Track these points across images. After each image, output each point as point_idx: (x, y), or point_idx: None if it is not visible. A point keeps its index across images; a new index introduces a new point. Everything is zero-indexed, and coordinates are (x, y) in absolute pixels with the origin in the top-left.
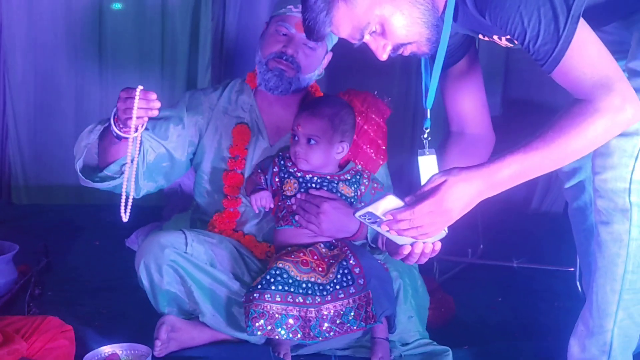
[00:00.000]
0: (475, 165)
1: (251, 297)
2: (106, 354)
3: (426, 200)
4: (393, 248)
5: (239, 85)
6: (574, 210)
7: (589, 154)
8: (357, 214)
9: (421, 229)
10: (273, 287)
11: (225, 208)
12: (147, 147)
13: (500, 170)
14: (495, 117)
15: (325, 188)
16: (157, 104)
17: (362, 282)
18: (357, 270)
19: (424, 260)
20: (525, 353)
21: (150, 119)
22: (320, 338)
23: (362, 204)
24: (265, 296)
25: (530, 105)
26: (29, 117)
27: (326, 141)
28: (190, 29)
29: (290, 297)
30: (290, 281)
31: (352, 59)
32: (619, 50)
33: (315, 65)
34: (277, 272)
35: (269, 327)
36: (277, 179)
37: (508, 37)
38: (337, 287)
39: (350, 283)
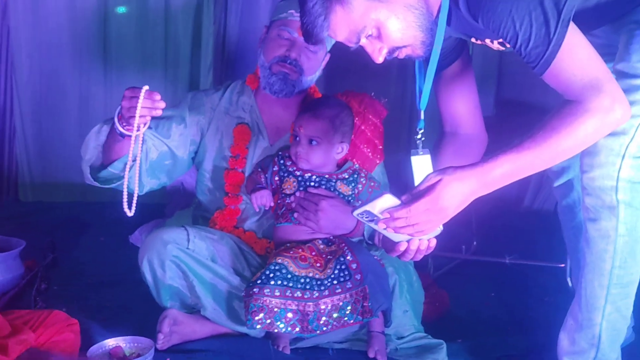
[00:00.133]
0: (469, 165)
1: (251, 292)
2: (110, 347)
3: (422, 199)
4: (389, 245)
5: (239, 87)
6: (563, 208)
7: (577, 154)
8: (355, 213)
9: (417, 227)
10: (272, 282)
11: (227, 205)
12: (150, 145)
13: (494, 170)
14: (488, 118)
15: (323, 186)
16: (162, 104)
17: (358, 278)
18: (354, 265)
19: (420, 257)
20: (516, 346)
21: (153, 118)
22: (318, 331)
23: (360, 203)
24: (265, 291)
25: (523, 106)
26: (35, 116)
27: (327, 142)
28: (193, 31)
29: (289, 291)
30: (289, 276)
31: (350, 61)
32: (607, 53)
33: (316, 67)
34: (276, 268)
35: (268, 321)
36: (276, 178)
37: (500, 40)
38: (335, 282)
39: (348, 278)
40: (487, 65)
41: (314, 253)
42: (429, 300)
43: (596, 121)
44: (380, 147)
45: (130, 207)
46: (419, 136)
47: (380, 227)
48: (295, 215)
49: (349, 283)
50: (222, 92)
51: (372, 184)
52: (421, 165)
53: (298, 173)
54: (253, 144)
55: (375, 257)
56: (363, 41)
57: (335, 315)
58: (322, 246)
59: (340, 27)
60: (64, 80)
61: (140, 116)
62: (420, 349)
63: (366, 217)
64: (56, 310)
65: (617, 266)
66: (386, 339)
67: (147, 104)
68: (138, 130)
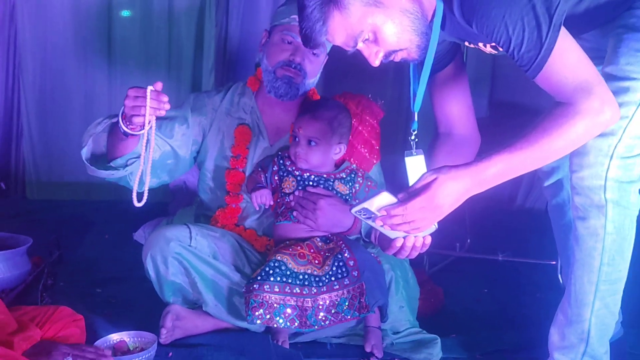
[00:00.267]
0: (463, 164)
1: (251, 288)
2: (115, 341)
3: (418, 197)
4: (386, 243)
5: (240, 88)
6: (553, 207)
7: (567, 154)
8: (353, 210)
9: (413, 224)
10: (272, 279)
11: (228, 204)
12: (154, 144)
13: (487, 169)
14: (482, 119)
15: (321, 186)
16: (167, 106)
17: (356, 274)
18: (351, 263)
19: (415, 254)
20: (509, 341)
21: (157, 118)
22: (316, 327)
23: (357, 201)
24: (265, 287)
25: (516, 107)
26: (41, 116)
27: (325, 143)
28: (195, 34)
29: (288, 287)
30: (288, 273)
31: (348, 64)
32: (596, 56)
33: (318, 70)
34: (276, 264)
35: (268, 316)
36: (276, 177)
37: (493, 44)
38: (333, 278)
39: (345, 275)
40: (481, 67)
41: (312, 250)
42: (424, 297)
43: (586, 122)
44: (377, 147)
45: (140, 200)
46: (412, 137)
47: (377, 224)
48: (295, 213)
49: (346, 280)
50: (223, 93)
51: (369, 183)
52: (415, 166)
53: (297, 173)
54: (253, 144)
55: (372, 255)
56: (360, 45)
57: (333, 310)
58: (320, 244)
59: (338, 32)
60: (70, 82)
61: (142, 116)
62: (415, 344)
63: (364, 215)
64: (62, 306)
65: (606, 263)
66: (382, 333)
67: (154, 105)
68: (142, 129)
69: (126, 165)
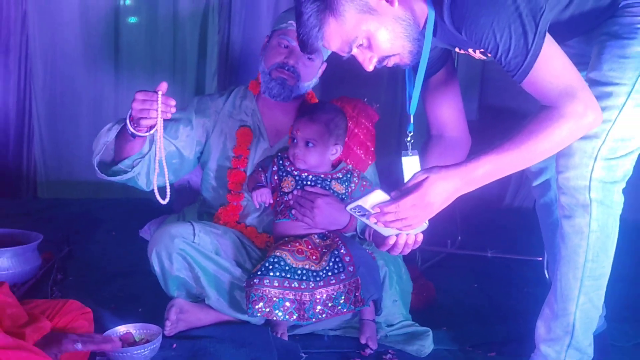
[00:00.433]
0: (453, 165)
1: (252, 282)
2: (121, 333)
3: (410, 195)
4: (379, 240)
5: (242, 92)
6: (540, 206)
7: (554, 155)
8: (348, 207)
9: (405, 221)
10: (271, 274)
11: (229, 202)
12: (159, 145)
13: (476, 169)
14: (472, 122)
15: (319, 185)
16: (174, 110)
17: (351, 270)
18: (347, 258)
19: (407, 251)
20: (497, 334)
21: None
22: (313, 319)
23: (353, 199)
24: (264, 281)
25: (504, 111)
26: (51, 119)
27: (322, 144)
28: (199, 40)
29: (286, 282)
30: (287, 268)
31: (344, 70)
32: (580, 62)
33: (313, 74)
34: (275, 260)
35: (268, 309)
36: (276, 177)
37: (482, 50)
38: (329, 273)
39: (341, 270)
40: (471, 72)
41: (310, 247)
42: (416, 291)
43: (570, 125)
44: (372, 149)
45: (164, 197)
46: (408, 138)
47: (371, 222)
48: (293, 211)
49: (342, 275)
50: (226, 96)
51: (365, 183)
52: (411, 165)
53: (296, 173)
54: (254, 145)
55: (367, 251)
56: (355, 51)
57: (329, 304)
58: (317, 240)
59: (334, 38)
60: (78, 86)
61: (152, 118)
62: (408, 336)
63: (358, 212)
64: (71, 299)
65: (590, 260)
66: (377, 326)
67: (162, 107)
68: (149, 130)
69: (132, 166)
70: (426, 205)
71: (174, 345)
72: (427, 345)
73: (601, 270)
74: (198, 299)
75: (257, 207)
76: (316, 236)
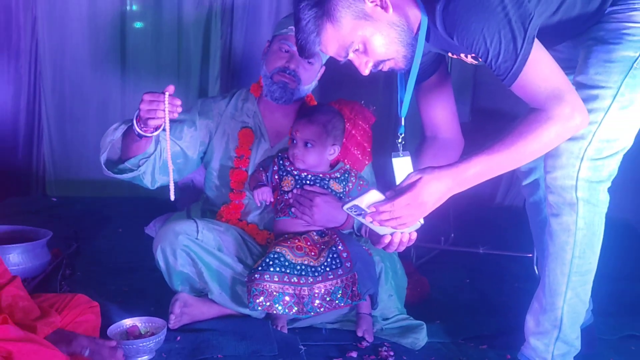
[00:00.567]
0: (446, 165)
1: (253, 278)
2: (128, 326)
3: (404, 195)
4: (375, 238)
5: (244, 95)
6: (530, 205)
7: (543, 156)
8: (345, 207)
9: (400, 220)
10: (272, 269)
11: (232, 200)
12: (164, 145)
13: (467, 170)
14: (465, 124)
15: (318, 184)
16: (180, 109)
17: (348, 265)
18: (344, 255)
19: (402, 248)
20: (489, 327)
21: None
22: (312, 313)
23: (350, 199)
24: (265, 276)
25: (496, 113)
26: (60, 120)
27: (320, 144)
28: (202, 45)
29: (286, 277)
30: (287, 264)
31: (342, 74)
32: (568, 66)
33: (312, 78)
34: (275, 256)
35: (268, 303)
36: (276, 176)
37: (473, 55)
38: (327, 269)
39: (339, 266)
40: (464, 76)
41: (309, 243)
42: (411, 286)
43: (558, 127)
44: (369, 149)
45: (175, 194)
46: (399, 140)
47: (367, 221)
48: (293, 209)
49: (340, 270)
50: (228, 99)
51: (362, 182)
52: (402, 166)
53: (295, 172)
54: (256, 145)
55: (363, 247)
56: (351, 55)
57: (327, 298)
58: (316, 237)
59: (331, 43)
60: (86, 88)
61: (158, 118)
62: (403, 329)
63: (355, 211)
64: (79, 293)
65: (577, 256)
66: (373, 320)
67: (169, 108)
68: (155, 131)
69: (139, 166)
70: (420, 204)
71: (178, 338)
72: (421, 338)
73: (588, 266)
74: (201, 294)
75: (259, 205)
76: (315, 233)
